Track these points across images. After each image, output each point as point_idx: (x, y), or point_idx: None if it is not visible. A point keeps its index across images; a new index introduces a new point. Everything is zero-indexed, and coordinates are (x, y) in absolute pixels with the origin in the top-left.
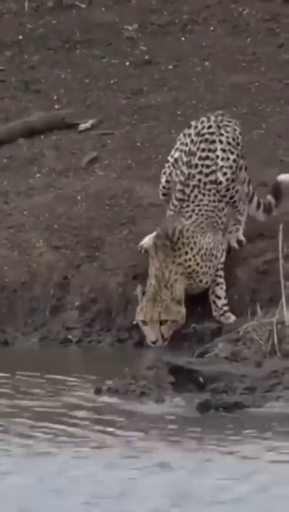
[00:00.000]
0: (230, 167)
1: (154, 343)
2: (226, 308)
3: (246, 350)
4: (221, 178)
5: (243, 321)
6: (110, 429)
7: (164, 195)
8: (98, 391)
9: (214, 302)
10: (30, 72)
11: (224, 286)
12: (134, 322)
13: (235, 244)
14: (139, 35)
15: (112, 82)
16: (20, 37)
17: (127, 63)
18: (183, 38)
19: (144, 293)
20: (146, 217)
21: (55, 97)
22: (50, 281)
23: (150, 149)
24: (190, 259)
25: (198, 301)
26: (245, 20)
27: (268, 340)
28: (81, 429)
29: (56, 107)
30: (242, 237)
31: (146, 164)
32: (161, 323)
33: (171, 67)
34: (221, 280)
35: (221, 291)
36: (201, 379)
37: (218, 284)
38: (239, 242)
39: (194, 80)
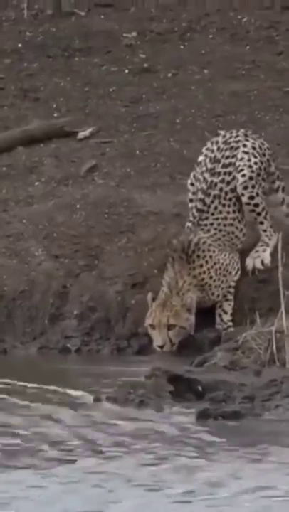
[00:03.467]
0: (250, 167)
1: (161, 347)
2: (230, 323)
3: (245, 359)
4: (238, 175)
5: (242, 330)
6: (110, 438)
7: (190, 200)
8: (97, 400)
9: (220, 316)
10: (29, 80)
11: (232, 303)
12: (139, 330)
13: (259, 265)
14: (138, 43)
15: (111, 90)
16: (20, 45)
17: (126, 71)
18: (182, 46)
19: (154, 299)
20: (145, 226)
21: (54, 105)
22: (49, 289)
23: (149, 157)
24: (204, 272)
25: (197, 311)
26: (244, 28)
27: (267, 349)
28: (80, 438)
29: (55, 115)
30: (267, 260)
31: (145, 172)
32: (170, 327)
33: (170, 75)
34: (231, 297)
35: (228, 307)
36: (200, 388)
37: (227, 300)
38: (263, 263)
39: (193, 87)
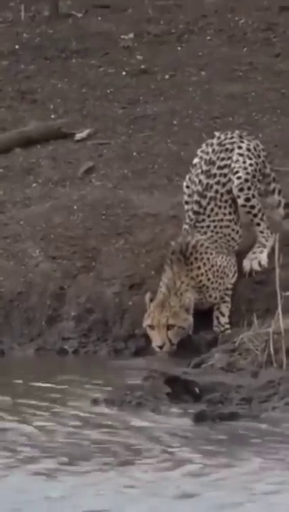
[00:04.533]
0: (245, 168)
1: (160, 347)
2: (227, 326)
3: (242, 360)
4: (233, 177)
5: (239, 332)
6: (108, 441)
7: (186, 202)
8: (95, 402)
9: (217, 318)
10: (27, 81)
11: (230, 305)
12: (137, 331)
13: (256, 267)
14: (136, 44)
15: (108, 91)
16: (17, 46)
17: (124, 73)
18: (179, 48)
19: (152, 300)
20: (142, 227)
21: (51, 107)
22: (47, 291)
23: (146, 159)
24: (202, 274)
25: (194, 313)
26: (241, 30)
27: (264, 351)
28: (78, 441)
29: (52, 116)
30: (264, 261)
31: (142, 174)
32: (169, 327)
33: (167, 76)
34: (228, 299)
35: (226, 309)
36: (197, 389)
37: (224, 302)
38: (260, 264)
39: (190, 89)
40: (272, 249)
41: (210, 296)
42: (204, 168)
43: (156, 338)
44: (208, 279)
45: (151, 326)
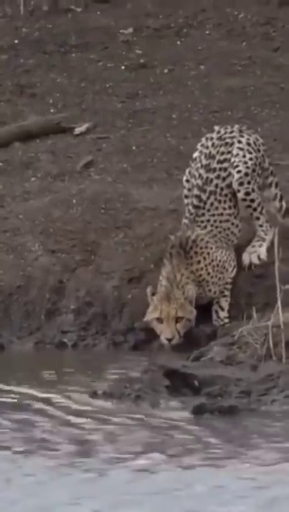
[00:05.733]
0: (245, 163)
1: (169, 340)
2: (226, 320)
3: (241, 353)
4: (233, 171)
5: (238, 325)
6: (107, 433)
7: (185, 196)
8: (94, 395)
9: (216, 312)
10: (26, 76)
11: (229, 300)
12: (136, 325)
13: (255, 260)
14: (135, 38)
15: (107, 85)
16: (16, 41)
17: (123, 67)
18: (178, 42)
19: (153, 294)
20: (141, 221)
21: (50, 101)
22: (46, 284)
23: (145, 153)
24: (202, 269)
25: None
26: (240, 24)
27: (264, 344)
28: (78, 433)
29: (52, 110)
30: (263, 255)
31: (141, 168)
32: (178, 320)
33: (166, 70)
34: (228, 293)
35: (225, 303)
36: (196, 383)
37: (224, 296)
38: (260, 258)
39: (190, 83)
40: (272, 242)
41: (209, 290)
42: (204, 162)
43: (166, 331)
44: (208, 274)
45: (160, 319)
